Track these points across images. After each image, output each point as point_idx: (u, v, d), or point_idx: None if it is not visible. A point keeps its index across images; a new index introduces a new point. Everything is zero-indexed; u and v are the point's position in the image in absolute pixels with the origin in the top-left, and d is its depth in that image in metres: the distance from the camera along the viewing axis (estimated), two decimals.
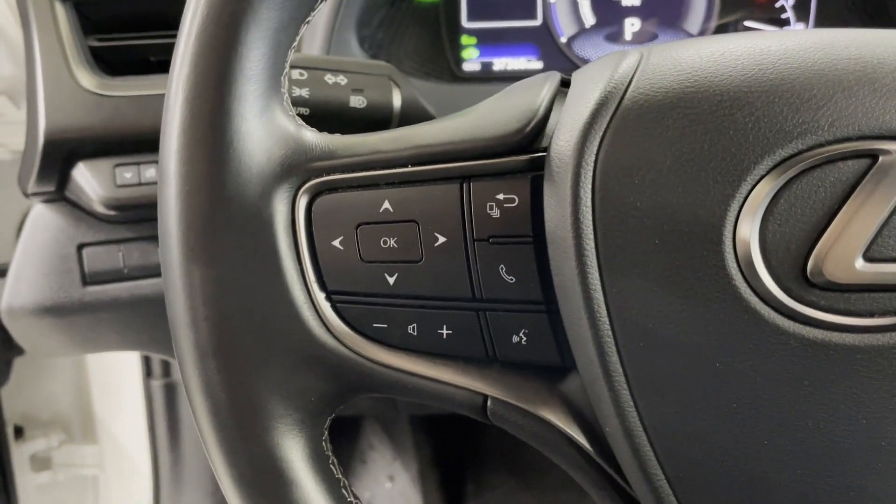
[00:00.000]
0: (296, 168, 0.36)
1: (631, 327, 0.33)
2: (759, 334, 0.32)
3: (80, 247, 0.70)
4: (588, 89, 0.35)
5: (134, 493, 1.37)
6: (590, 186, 0.33)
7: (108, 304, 0.72)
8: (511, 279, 0.36)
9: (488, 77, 0.81)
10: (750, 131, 0.32)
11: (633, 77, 0.34)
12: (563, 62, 0.81)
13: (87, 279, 0.70)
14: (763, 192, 0.31)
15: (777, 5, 0.78)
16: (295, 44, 0.37)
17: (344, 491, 0.38)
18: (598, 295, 0.33)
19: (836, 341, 0.32)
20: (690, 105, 0.33)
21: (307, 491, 0.36)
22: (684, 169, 0.32)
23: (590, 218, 0.33)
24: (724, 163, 0.32)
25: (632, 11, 0.79)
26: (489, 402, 0.37)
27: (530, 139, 0.36)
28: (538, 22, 0.80)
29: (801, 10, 0.78)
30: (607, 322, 0.33)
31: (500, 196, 0.36)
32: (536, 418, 0.37)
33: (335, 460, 0.39)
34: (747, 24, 0.78)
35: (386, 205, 0.36)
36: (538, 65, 0.81)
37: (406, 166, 0.36)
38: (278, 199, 0.36)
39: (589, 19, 0.80)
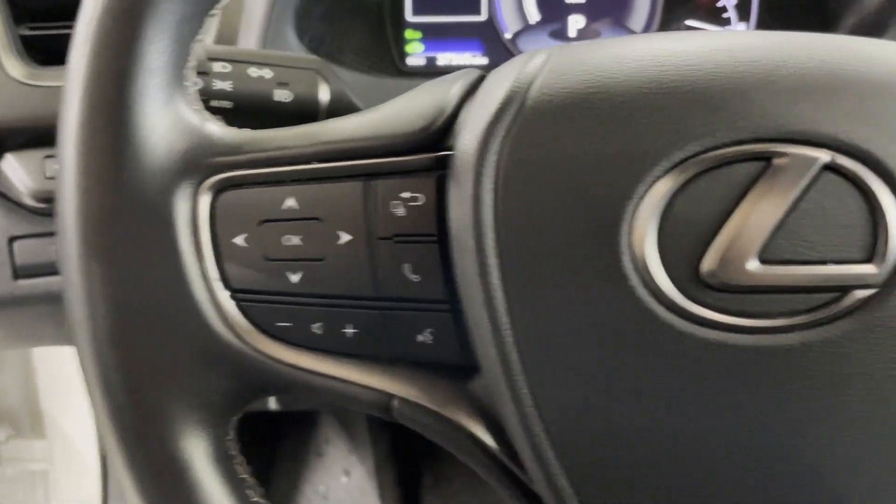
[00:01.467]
0: (198, 163, 0.35)
1: (531, 328, 0.33)
2: (656, 335, 0.32)
3: (11, 240, 0.68)
4: (494, 88, 0.35)
5: (84, 488, 1.36)
6: (491, 186, 0.33)
7: (40, 298, 0.70)
8: (416, 278, 0.36)
9: (432, 72, 0.80)
10: (647, 133, 0.32)
11: (538, 77, 0.34)
12: (507, 58, 0.80)
13: (18, 273, 0.69)
14: (660, 194, 0.32)
15: (719, 5, 0.78)
16: (199, 36, 0.36)
17: (249, 491, 0.37)
18: (499, 294, 0.33)
19: (730, 342, 0.32)
20: (591, 106, 0.33)
21: (209, 492, 0.36)
22: (583, 170, 0.32)
23: (491, 218, 0.33)
24: (621, 164, 0.32)
25: (576, 9, 0.79)
26: (395, 402, 0.37)
27: (436, 137, 0.36)
28: (483, 17, 0.80)
29: (743, 10, 0.79)
30: (508, 322, 0.33)
31: (406, 195, 0.35)
32: (443, 418, 0.37)
33: (243, 460, 0.38)
34: (688, 23, 0.78)
35: (290, 202, 0.36)
36: (483, 60, 0.81)
37: (311, 163, 0.36)
38: (179, 194, 0.35)
39: (533, 16, 0.80)
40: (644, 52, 0.34)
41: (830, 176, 0.31)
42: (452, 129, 0.36)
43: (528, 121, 0.33)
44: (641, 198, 0.31)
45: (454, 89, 0.37)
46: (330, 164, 0.36)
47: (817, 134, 0.31)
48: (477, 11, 0.80)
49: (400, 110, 0.37)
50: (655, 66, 0.33)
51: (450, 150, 0.35)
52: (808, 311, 0.32)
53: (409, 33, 0.80)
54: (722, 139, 0.31)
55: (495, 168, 0.33)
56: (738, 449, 0.33)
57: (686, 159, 0.31)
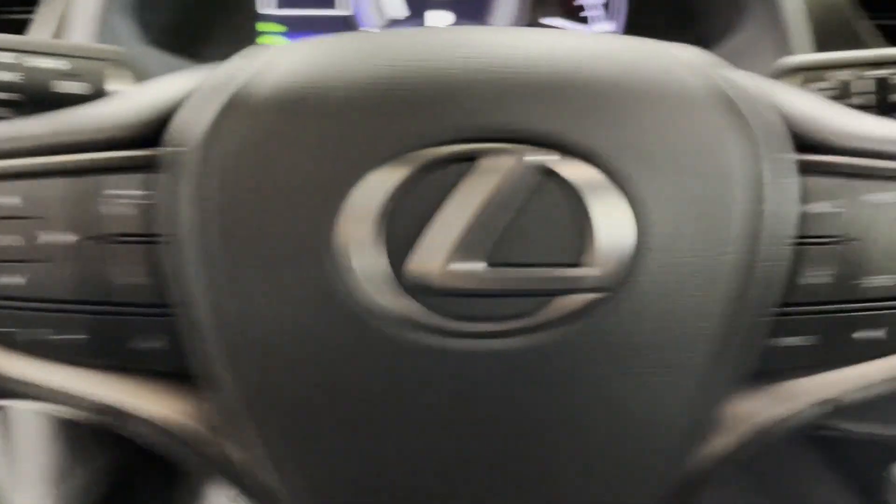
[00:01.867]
0: None
1: (251, 335, 0.32)
2: (363, 340, 0.31)
3: None
4: (224, 83, 0.33)
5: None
6: (213, 186, 0.32)
7: None
8: (146, 281, 0.34)
9: None
10: (358, 133, 0.31)
11: (267, 72, 0.33)
12: None
13: None
14: (366, 195, 0.30)
15: (576, 3, 0.78)
16: None
17: None
18: (222, 300, 0.32)
19: (433, 344, 0.31)
20: (307, 104, 0.31)
21: None
22: (294, 171, 0.31)
23: (212, 219, 0.31)
24: (330, 164, 0.31)
25: (439, 4, 0.78)
26: (125, 415, 0.35)
27: (162, 132, 0.34)
28: (347, 11, 0.79)
29: (607, 9, 0.78)
30: (230, 328, 0.32)
31: (132, 192, 0.33)
32: (168, 432, 0.35)
33: None
34: (543, 21, 0.77)
35: (12, 199, 0.34)
36: None
37: (33, 156, 0.34)
38: None
39: (396, 11, 0.78)
40: (374, 48, 0.33)
41: (547, 176, 0.30)
42: (179, 123, 0.34)
43: (253, 116, 0.32)
44: (346, 199, 0.30)
45: (186, 82, 0.35)
46: (53, 157, 0.34)
47: (534, 133, 0.30)
48: (342, 5, 0.78)
49: (129, 102, 0.35)
50: (371, 63, 0.32)
51: (176, 145, 0.33)
52: (524, 315, 0.31)
53: (271, 26, 0.78)
54: (429, 139, 0.30)
55: (216, 168, 0.31)
56: (463, 454, 0.32)
57: (394, 159, 0.30)
